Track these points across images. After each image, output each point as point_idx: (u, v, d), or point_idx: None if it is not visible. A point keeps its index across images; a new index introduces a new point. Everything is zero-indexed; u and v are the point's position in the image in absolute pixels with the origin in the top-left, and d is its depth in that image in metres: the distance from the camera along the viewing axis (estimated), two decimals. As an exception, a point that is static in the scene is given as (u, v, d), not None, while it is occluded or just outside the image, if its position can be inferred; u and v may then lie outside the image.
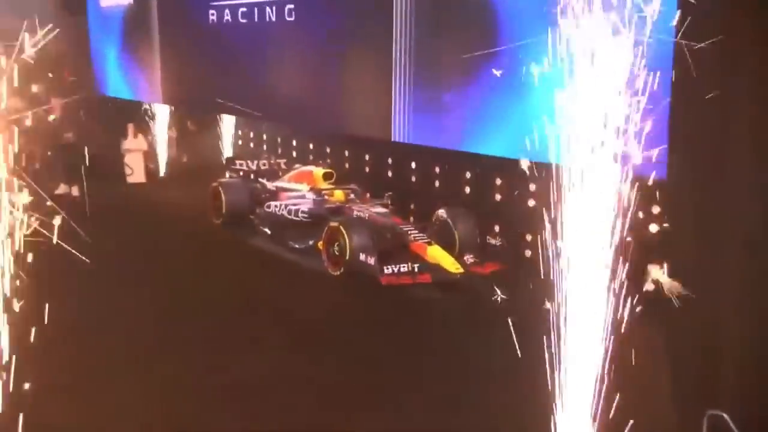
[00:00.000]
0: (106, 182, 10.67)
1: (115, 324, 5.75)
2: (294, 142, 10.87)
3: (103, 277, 6.77)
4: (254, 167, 9.57)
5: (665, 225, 4.99)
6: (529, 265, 3.80)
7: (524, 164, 3.66)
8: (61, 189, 10.24)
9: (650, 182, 3.54)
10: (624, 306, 3.46)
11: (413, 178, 8.69)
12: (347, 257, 6.92)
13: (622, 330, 3.45)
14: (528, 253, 7.02)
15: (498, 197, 7.58)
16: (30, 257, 3.23)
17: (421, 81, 7.54)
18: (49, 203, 3.52)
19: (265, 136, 11.59)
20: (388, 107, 7.85)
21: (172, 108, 12.39)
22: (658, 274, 3.63)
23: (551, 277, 3.50)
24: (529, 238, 7.04)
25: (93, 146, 10.24)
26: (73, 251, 3.67)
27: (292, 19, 9.01)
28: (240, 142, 12.14)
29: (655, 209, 5.47)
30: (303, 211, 7.95)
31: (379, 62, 7.86)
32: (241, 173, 9.44)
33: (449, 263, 6.64)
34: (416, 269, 6.78)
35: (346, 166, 9.68)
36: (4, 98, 3.03)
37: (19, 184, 3.10)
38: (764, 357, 3.51)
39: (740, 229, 3.50)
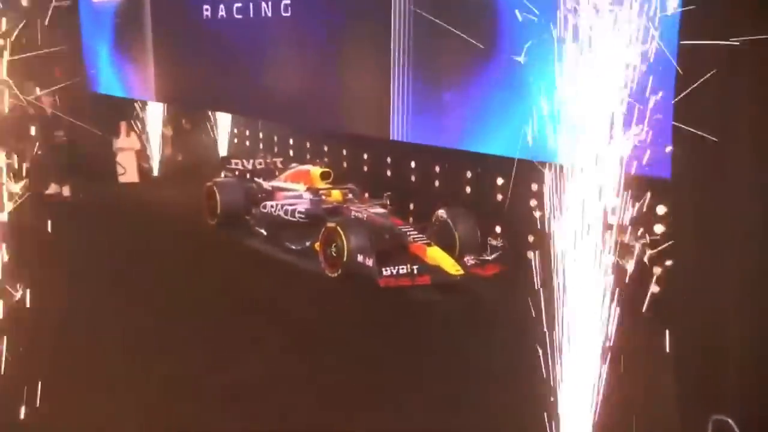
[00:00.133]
0: (97, 182, 10.64)
1: (112, 325, 5.77)
2: (291, 141, 10.79)
3: (94, 278, 6.72)
4: (250, 166, 9.49)
5: (668, 226, 5.00)
6: (530, 267, 3.83)
7: (525, 164, 3.71)
8: (52, 189, 10.12)
9: (653, 182, 3.60)
10: (626, 308, 3.46)
11: (412, 178, 8.63)
12: (345, 259, 6.83)
13: (624, 332, 3.47)
14: (529, 254, 6.90)
15: (499, 197, 7.49)
16: (21, 262, 3.18)
17: (420, 77, 7.40)
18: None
19: (261, 135, 11.50)
20: (386, 105, 7.71)
21: (166, 106, 12.25)
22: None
23: (552, 278, 3.50)
24: (531, 239, 6.97)
25: (84, 145, 10.10)
26: (66, 252, 3.61)
27: (289, 14, 8.87)
28: (235, 141, 12.08)
29: (660, 209, 5.43)
30: (300, 212, 7.86)
31: (377, 57, 7.72)
32: (237, 172, 9.35)
33: (449, 265, 6.58)
34: (415, 271, 6.68)
35: (344, 165, 9.62)
36: None
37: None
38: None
39: (744, 230, 3.42)
